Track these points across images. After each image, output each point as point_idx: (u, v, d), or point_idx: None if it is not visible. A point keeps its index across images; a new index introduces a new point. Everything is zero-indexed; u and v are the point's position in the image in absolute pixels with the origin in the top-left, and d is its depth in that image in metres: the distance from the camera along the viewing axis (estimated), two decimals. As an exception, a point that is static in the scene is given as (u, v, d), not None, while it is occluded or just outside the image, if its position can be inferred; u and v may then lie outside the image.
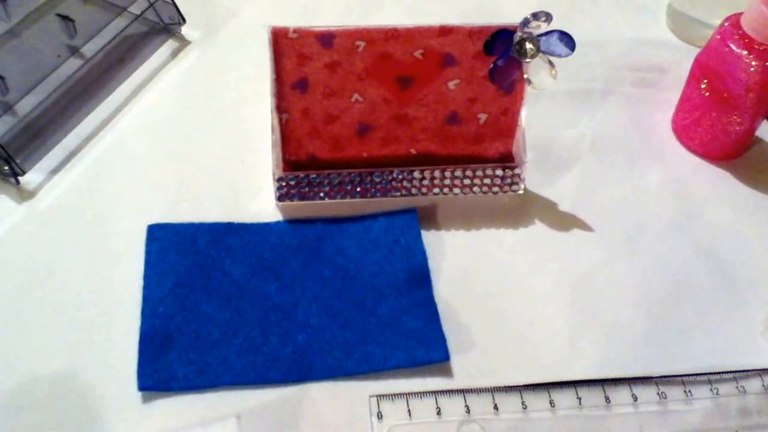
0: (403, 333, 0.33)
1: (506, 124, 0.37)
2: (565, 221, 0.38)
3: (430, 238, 0.37)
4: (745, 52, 0.37)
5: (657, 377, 0.33)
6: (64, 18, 0.42)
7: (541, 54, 0.34)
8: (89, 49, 0.43)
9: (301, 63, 0.35)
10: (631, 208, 0.39)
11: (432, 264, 0.36)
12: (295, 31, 0.34)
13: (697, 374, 0.33)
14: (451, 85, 0.36)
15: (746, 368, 0.33)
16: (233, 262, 0.35)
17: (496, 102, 0.37)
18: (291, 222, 0.37)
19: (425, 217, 0.38)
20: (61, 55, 0.41)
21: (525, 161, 0.38)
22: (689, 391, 0.32)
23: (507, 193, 0.39)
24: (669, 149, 0.43)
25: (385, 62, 0.35)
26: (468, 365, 0.32)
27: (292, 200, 0.37)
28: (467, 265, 0.36)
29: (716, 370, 0.33)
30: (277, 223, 0.37)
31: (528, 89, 0.36)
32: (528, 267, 0.36)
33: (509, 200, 0.39)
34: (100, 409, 0.30)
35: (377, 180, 0.37)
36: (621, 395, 0.32)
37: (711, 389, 0.32)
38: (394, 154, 0.37)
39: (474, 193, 0.38)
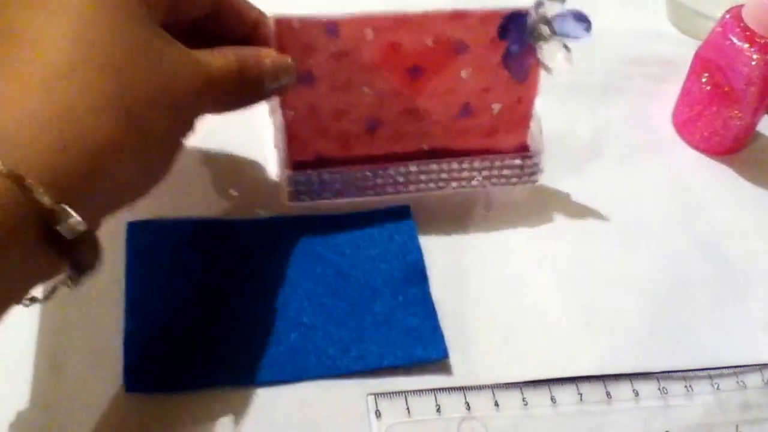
0: (400, 330, 0.32)
1: (521, 114, 0.36)
2: (564, 216, 0.38)
3: (426, 233, 0.36)
4: (746, 45, 0.37)
5: (658, 372, 0.32)
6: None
7: (556, 37, 0.33)
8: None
9: (306, 54, 0.33)
10: (631, 203, 0.39)
11: (429, 260, 0.35)
12: (299, 20, 0.32)
13: (697, 369, 0.33)
14: (464, 74, 0.34)
15: (746, 363, 0.33)
16: (220, 259, 0.34)
17: (510, 91, 0.35)
18: (281, 218, 0.36)
19: (422, 212, 0.37)
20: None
21: (542, 150, 0.36)
22: (690, 386, 0.32)
23: (526, 184, 0.37)
24: (669, 144, 0.43)
25: (395, 51, 0.33)
26: (467, 362, 0.32)
27: (303, 201, 0.36)
28: (465, 260, 0.36)
29: (717, 365, 0.33)
30: (267, 219, 0.36)
31: (542, 75, 0.34)
32: (527, 262, 0.36)
33: (507, 195, 0.39)
34: (90, 412, 0.29)
35: (391, 174, 0.36)
36: (622, 390, 0.32)
37: (712, 384, 0.32)
38: (404, 150, 0.36)
39: (493, 184, 0.37)
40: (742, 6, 0.38)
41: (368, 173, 0.36)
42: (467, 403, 0.31)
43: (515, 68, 0.34)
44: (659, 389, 0.32)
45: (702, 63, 0.40)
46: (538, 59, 0.34)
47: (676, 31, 0.49)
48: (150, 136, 0.24)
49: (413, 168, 0.36)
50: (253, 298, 0.33)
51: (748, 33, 0.37)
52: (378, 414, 0.30)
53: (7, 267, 0.21)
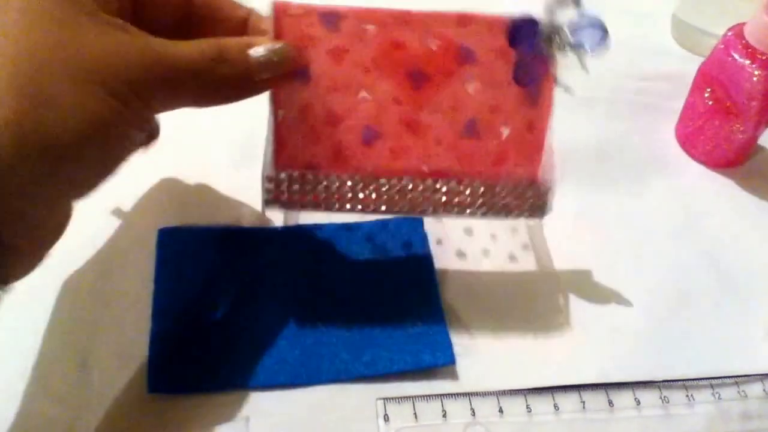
0: (409, 336, 0.33)
1: (532, 144, 0.32)
2: (568, 228, 0.39)
3: (436, 241, 0.37)
4: (748, 62, 0.38)
5: (660, 381, 0.33)
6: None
7: (572, 48, 0.30)
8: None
9: (303, 47, 0.30)
10: (634, 214, 0.40)
11: (438, 267, 0.36)
12: (298, 6, 0.30)
13: (699, 378, 0.33)
14: (470, 87, 0.31)
15: (748, 373, 0.34)
16: (243, 266, 0.35)
17: (520, 113, 0.32)
18: (299, 226, 0.37)
19: (432, 221, 0.38)
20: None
21: (552, 186, 0.33)
22: (691, 395, 0.33)
23: (529, 219, 0.34)
24: (672, 157, 0.43)
25: (397, 53, 0.30)
26: (473, 368, 0.33)
27: (281, 205, 0.32)
28: (473, 268, 0.37)
29: (718, 375, 0.33)
30: (286, 227, 0.37)
31: (556, 94, 0.32)
32: (532, 271, 0.37)
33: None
34: (109, 411, 0.31)
35: (383, 190, 0.33)
36: (624, 399, 0.32)
37: (713, 393, 0.33)
38: (403, 169, 0.32)
39: (493, 215, 0.33)
40: (744, 24, 0.39)
41: (360, 183, 0.32)
42: (472, 409, 0.31)
43: (526, 80, 0.31)
44: (661, 398, 0.32)
45: (705, 78, 0.41)
46: (552, 74, 0.31)
47: (680, 47, 0.50)
48: (74, 116, 0.23)
49: (407, 183, 0.32)
50: (271, 303, 0.34)
51: (749, 50, 0.38)
52: (386, 418, 0.31)
53: None
